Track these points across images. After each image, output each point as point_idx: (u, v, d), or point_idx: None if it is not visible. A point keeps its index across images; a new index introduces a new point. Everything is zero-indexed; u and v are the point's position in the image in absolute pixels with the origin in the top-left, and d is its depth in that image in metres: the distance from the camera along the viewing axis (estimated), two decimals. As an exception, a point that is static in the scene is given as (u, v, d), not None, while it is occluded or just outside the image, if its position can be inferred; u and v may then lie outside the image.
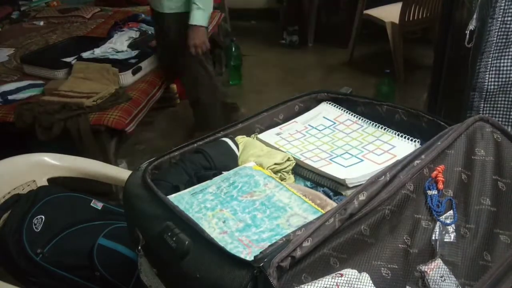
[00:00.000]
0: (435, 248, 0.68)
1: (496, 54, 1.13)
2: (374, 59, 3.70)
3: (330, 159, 0.94)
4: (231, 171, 0.89)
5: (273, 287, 0.55)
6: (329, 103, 1.11)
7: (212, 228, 0.73)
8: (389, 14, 3.24)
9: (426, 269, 0.66)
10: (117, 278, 1.16)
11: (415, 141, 0.93)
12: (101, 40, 2.61)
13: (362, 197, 0.65)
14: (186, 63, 2.32)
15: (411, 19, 3.14)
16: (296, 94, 1.13)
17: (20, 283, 1.16)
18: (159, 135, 2.88)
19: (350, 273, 0.59)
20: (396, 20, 3.14)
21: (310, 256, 0.59)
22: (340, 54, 3.84)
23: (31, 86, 2.25)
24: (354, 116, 1.06)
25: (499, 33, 1.11)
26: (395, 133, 0.97)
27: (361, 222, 0.64)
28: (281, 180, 0.89)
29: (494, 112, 1.16)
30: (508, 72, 1.12)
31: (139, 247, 0.77)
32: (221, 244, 0.66)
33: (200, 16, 2.11)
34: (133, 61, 2.36)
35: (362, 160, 0.92)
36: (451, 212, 0.71)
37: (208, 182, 0.86)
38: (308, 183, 0.93)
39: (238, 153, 0.97)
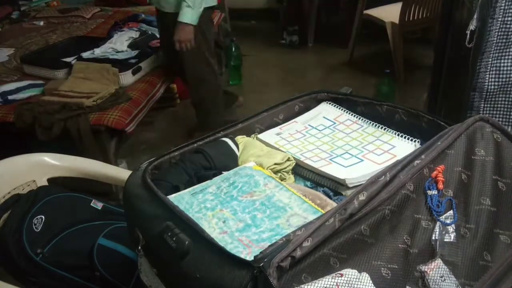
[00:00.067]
0: (435, 248, 0.68)
1: (497, 54, 1.13)
2: (374, 59, 3.70)
3: (330, 159, 0.94)
4: (231, 171, 0.89)
5: (273, 287, 0.55)
6: (329, 103, 1.11)
7: (212, 228, 0.73)
8: (389, 14, 3.24)
9: (426, 269, 0.66)
10: (117, 278, 1.16)
11: (415, 141, 0.93)
12: (101, 40, 2.61)
13: (362, 197, 0.65)
14: (192, 62, 2.33)
15: (411, 19, 3.14)
16: (296, 94, 1.13)
17: (20, 283, 1.16)
18: (159, 135, 2.88)
19: (350, 273, 0.59)
20: (396, 20, 3.14)
21: (310, 256, 0.59)
22: (340, 54, 3.84)
23: (31, 86, 2.25)
24: (354, 116, 1.06)
25: (499, 33, 1.11)
26: (395, 133, 0.97)
27: (361, 222, 0.64)
28: (281, 180, 0.89)
29: (494, 112, 1.16)
30: (508, 72, 1.12)
31: (139, 247, 0.77)
32: (221, 244, 0.66)
33: (188, 14, 2.13)
34: (133, 61, 2.36)
35: (362, 160, 0.92)
36: (451, 212, 0.71)
37: (208, 182, 0.86)
38: (308, 183, 0.93)
39: (238, 153, 0.97)
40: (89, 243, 1.19)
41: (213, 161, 0.92)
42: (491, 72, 1.14)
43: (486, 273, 0.69)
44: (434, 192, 0.71)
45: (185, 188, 0.85)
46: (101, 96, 2.08)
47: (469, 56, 1.27)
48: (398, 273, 0.64)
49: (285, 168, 0.93)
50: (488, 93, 1.15)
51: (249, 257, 0.62)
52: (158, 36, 2.67)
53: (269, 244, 0.60)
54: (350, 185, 0.85)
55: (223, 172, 0.90)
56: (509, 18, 1.09)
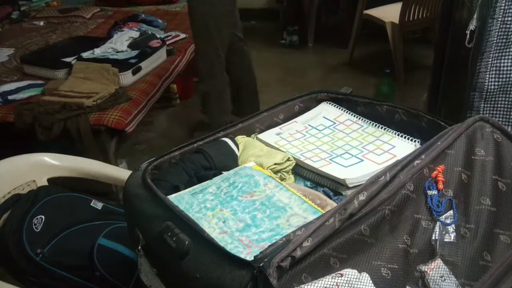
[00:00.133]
0: (435, 248, 0.68)
1: (496, 54, 1.13)
2: (374, 59, 3.70)
3: (330, 159, 0.94)
4: (231, 171, 0.89)
5: (273, 287, 0.55)
6: (329, 103, 1.11)
7: (212, 228, 0.73)
8: (389, 14, 3.24)
9: (426, 269, 0.66)
10: (117, 278, 1.16)
11: (415, 141, 0.93)
12: (101, 40, 2.62)
13: (362, 197, 0.65)
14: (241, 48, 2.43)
15: (411, 19, 3.14)
16: (296, 94, 1.13)
17: (20, 283, 1.16)
18: (159, 135, 2.88)
19: (350, 273, 0.59)
20: (396, 20, 3.15)
21: (310, 256, 0.59)
22: (340, 54, 3.84)
23: (31, 86, 2.25)
24: (354, 116, 1.06)
25: (499, 33, 1.11)
26: (395, 133, 0.97)
27: (361, 222, 0.64)
28: (281, 180, 0.89)
29: (494, 112, 1.16)
30: (509, 72, 1.12)
31: (139, 247, 0.77)
32: (221, 244, 0.66)
33: None
34: (133, 61, 2.36)
35: (362, 160, 0.92)
36: (451, 212, 0.71)
37: (208, 182, 0.86)
38: (308, 183, 0.93)
39: (238, 153, 0.97)
40: (89, 243, 1.18)
41: (213, 161, 0.92)
42: (491, 72, 1.14)
43: (486, 273, 0.69)
44: (434, 192, 0.71)
45: (185, 188, 0.85)
46: (101, 96, 2.08)
47: (469, 56, 1.27)
48: (398, 273, 0.64)
49: (285, 168, 0.93)
50: (488, 93, 1.15)
51: (249, 257, 0.62)
52: (158, 36, 2.67)
53: (269, 244, 0.60)
54: (350, 185, 0.85)
55: (223, 172, 0.90)
56: (509, 18, 1.09)
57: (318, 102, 1.13)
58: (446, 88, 1.73)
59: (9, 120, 2.03)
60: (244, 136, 1.03)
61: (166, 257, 0.71)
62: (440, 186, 0.71)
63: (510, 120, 1.14)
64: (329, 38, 4.01)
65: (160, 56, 2.52)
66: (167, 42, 2.70)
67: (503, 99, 1.14)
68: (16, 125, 2.00)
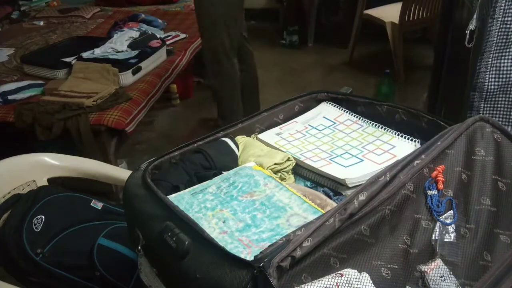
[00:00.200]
0: (435, 248, 0.68)
1: (496, 54, 1.13)
2: (374, 59, 3.70)
3: (330, 159, 0.94)
4: (231, 171, 0.89)
5: (273, 287, 0.55)
6: (329, 103, 1.11)
7: (212, 228, 0.73)
8: (389, 14, 3.24)
9: (426, 269, 0.66)
10: (117, 278, 1.16)
11: (415, 141, 0.93)
12: (101, 40, 2.61)
13: (362, 197, 0.65)
14: (246, 47, 2.44)
15: (411, 19, 3.14)
16: (296, 94, 1.13)
17: (20, 283, 1.16)
18: (159, 135, 2.88)
19: (350, 273, 0.59)
20: (396, 20, 3.15)
21: (310, 256, 0.59)
22: (340, 54, 3.84)
23: (31, 86, 2.25)
24: (354, 116, 1.06)
25: (499, 33, 1.11)
26: (395, 133, 0.97)
27: (361, 222, 0.64)
28: (281, 180, 0.89)
29: (494, 112, 1.16)
30: (509, 72, 1.12)
31: (139, 247, 0.77)
32: (221, 244, 0.66)
33: None
34: (133, 61, 2.36)
35: (362, 160, 0.92)
36: (451, 212, 0.71)
37: (208, 182, 0.86)
38: (308, 183, 0.93)
39: (238, 153, 0.97)
40: (89, 243, 1.18)
41: (213, 161, 0.92)
42: (491, 72, 1.14)
43: (486, 273, 0.69)
44: (434, 192, 0.71)
45: (185, 188, 0.85)
46: (101, 96, 2.08)
47: (469, 56, 1.27)
48: (398, 273, 0.64)
49: (285, 168, 0.93)
50: (488, 93, 1.15)
51: (249, 257, 0.62)
52: (158, 36, 2.67)
53: (269, 244, 0.60)
54: (350, 185, 0.85)
55: (223, 172, 0.90)
56: (509, 18, 1.09)
57: (318, 102, 1.13)
58: (446, 88, 1.73)
59: (9, 120, 2.03)
60: (244, 136, 1.03)
61: (166, 257, 0.71)
62: (440, 186, 0.71)
63: (510, 120, 1.14)
64: (329, 38, 4.01)
65: (160, 56, 2.52)
66: (167, 42, 2.70)
67: (503, 99, 1.14)
68: (16, 125, 2.00)
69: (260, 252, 0.58)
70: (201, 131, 2.74)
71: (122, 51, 2.46)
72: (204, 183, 0.85)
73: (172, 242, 0.68)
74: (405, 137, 0.95)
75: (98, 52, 2.45)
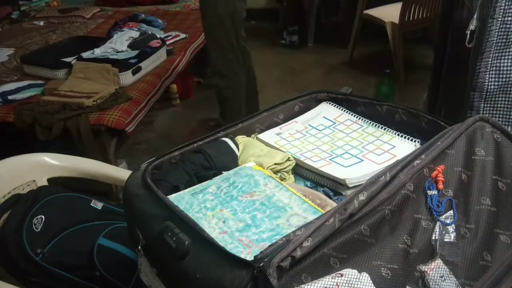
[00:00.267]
0: (435, 248, 0.68)
1: (496, 54, 1.13)
2: (374, 59, 3.70)
3: (330, 159, 0.94)
4: (231, 171, 0.89)
5: (273, 287, 0.55)
6: (329, 103, 1.11)
7: (212, 228, 0.73)
8: (389, 14, 3.24)
9: (426, 269, 0.66)
10: (117, 278, 1.16)
11: (415, 141, 0.93)
12: (101, 40, 2.62)
13: (362, 197, 0.65)
14: (244, 47, 2.43)
15: (411, 19, 3.14)
16: (296, 94, 1.13)
17: (20, 283, 1.16)
18: (159, 135, 2.88)
19: (350, 273, 0.59)
20: (396, 20, 3.15)
21: (310, 256, 0.59)
22: (340, 54, 3.84)
23: (31, 86, 2.25)
24: (354, 116, 1.06)
25: (499, 33, 1.11)
26: (395, 133, 0.97)
27: (361, 222, 0.64)
28: (281, 180, 0.89)
29: (494, 112, 1.16)
30: (508, 72, 1.12)
31: (139, 247, 0.77)
32: (221, 244, 0.66)
33: None
34: (133, 61, 2.36)
35: (362, 160, 0.92)
36: (451, 212, 0.71)
37: (208, 182, 0.86)
38: (308, 183, 0.93)
39: (238, 153, 0.97)
40: (89, 243, 1.18)
41: (213, 161, 0.92)
42: (491, 72, 1.14)
43: (486, 273, 0.69)
44: (434, 192, 0.71)
45: (185, 188, 0.85)
46: (101, 96, 2.08)
47: (469, 56, 1.27)
48: (398, 273, 0.64)
49: (285, 168, 0.93)
50: (488, 93, 1.15)
51: (249, 257, 0.62)
52: (158, 36, 2.67)
53: (269, 244, 0.60)
54: (350, 185, 0.85)
55: (223, 172, 0.90)
56: (509, 18, 1.09)
57: (318, 102, 1.13)
58: (446, 88, 1.73)
59: (9, 120, 2.03)
60: (244, 136, 1.03)
61: (166, 257, 0.71)
62: (440, 186, 0.71)
63: (510, 120, 1.14)
64: (329, 38, 4.01)
65: (160, 56, 2.52)
66: (167, 42, 2.70)
67: (503, 99, 1.14)
68: (16, 125, 2.00)
69: (260, 252, 0.58)
70: (201, 131, 2.74)
71: (122, 51, 2.46)
72: (204, 183, 0.85)
73: (172, 242, 0.68)
74: (405, 137, 0.95)
75: (98, 52, 2.45)
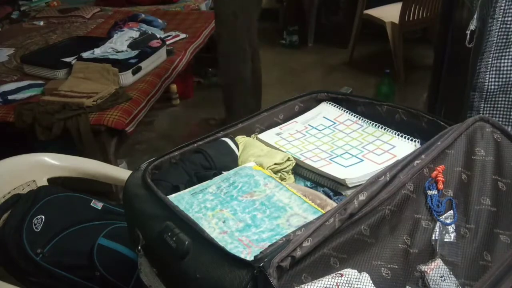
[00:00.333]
0: (435, 248, 0.68)
1: (497, 54, 1.13)
2: (374, 59, 3.70)
3: (330, 159, 0.94)
4: (231, 171, 0.89)
5: (273, 287, 0.55)
6: (329, 103, 1.11)
7: (212, 228, 0.73)
8: (389, 14, 3.25)
9: (426, 269, 0.66)
10: (117, 278, 1.16)
11: (415, 141, 0.93)
12: (101, 40, 2.61)
13: (362, 197, 0.65)
14: None
15: (411, 19, 3.14)
16: (296, 94, 1.13)
17: (20, 283, 1.16)
18: (159, 135, 2.88)
19: (350, 273, 0.59)
20: (396, 20, 3.15)
21: (310, 256, 0.59)
22: (340, 54, 3.84)
23: (31, 86, 2.25)
24: (354, 116, 1.06)
25: (500, 33, 1.11)
26: (395, 133, 0.97)
27: (361, 222, 0.64)
28: (281, 180, 0.89)
29: (494, 112, 1.16)
30: (509, 72, 1.12)
31: (139, 247, 0.77)
32: (221, 244, 0.66)
33: None
34: (133, 61, 2.36)
35: (362, 160, 0.92)
36: (451, 212, 0.71)
37: (208, 182, 0.86)
38: (308, 183, 0.93)
39: (238, 153, 0.97)
40: (89, 243, 1.18)
41: (213, 161, 0.92)
42: (491, 72, 1.14)
43: (486, 273, 0.69)
44: (434, 192, 0.71)
45: (185, 188, 0.85)
46: (101, 96, 2.08)
47: (469, 56, 1.27)
48: (398, 273, 0.64)
49: (285, 168, 0.93)
50: (488, 93, 1.15)
51: (249, 257, 0.62)
52: (158, 36, 2.67)
53: (269, 244, 0.60)
54: (350, 185, 0.85)
55: (223, 172, 0.90)
56: (509, 18, 1.09)
57: (318, 102, 1.13)
58: (446, 88, 1.73)
59: (9, 120, 2.03)
60: (244, 136, 1.03)
61: (166, 257, 0.71)
62: (440, 186, 0.71)
63: (510, 120, 1.14)
64: (329, 38, 4.01)
65: (160, 56, 2.52)
66: (167, 42, 2.69)
67: (503, 99, 1.14)
68: (16, 125, 2.00)
69: (260, 252, 0.58)
70: (201, 131, 2.74)
71: (122, 51, 2.46)
72: (204, 183, 0.85)
73: (172, 242, 0.68)
74: (405, 137, 0.95)
75: (98, 52, 2.45)
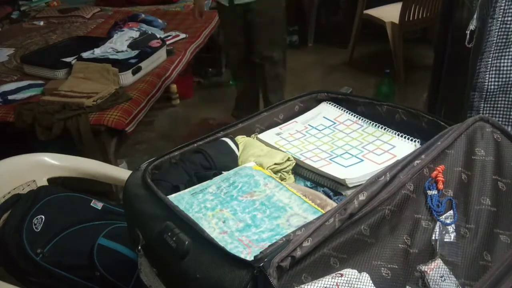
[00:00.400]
0: (435, 248, 0.68)
1: (496, 54, 1.13)
2: (374, 59, 3.70)
3: (330, 159, 0.94)
4: (231, 171, 0.89)
5: (273, 287, 0.55)
6: (329, 103, 1.11)
7: (212, 228, 0.73)
8: (389, 14, 3.24)
9: (426, 269, 0.66)
10: (117, 278, 1.16)
11: (415, 141, 0.93)
12: (101, 40, 2.61)
13: (362, 197, 0.65)
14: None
15: (411, 19, 3.14)
16: (296, 94, 1.13)
17: (20, 283, 1.16)
18: (159, 135, 2.88)
19: (350, 273, 0.59)
20: (396, 20, 3.15)
21: (310, 256, 0.59)
22: (340, 54, 3.84)
23: (31, 86, 2.25)
24: (354, 116, 1.06)
25: (499, 33, 1.11)
26: (395, 133, 0.97)
27: (361, 222, 0.64)
28: (281, 180, 0.89)
29: (494, 112, 1.16)
30: (508, 72, 1.12)
31: (139, 247, 0.77)
32: (221, 244, 0.66)
33: None
34: (133, 61, 2.36)
35: (362, 160, 0.92)
36: (451, 212, 0.71)
37: (208, 182, 0.86)
38: (308, 183, 0.93)
39: (238, 153, 0.97)
40: (89, 243, 1.19)
41: (213, 161, 0.92)
42: (491, 72, 1.14)
43: (486, 273, 0.69)
44: (434, 192, 0.71)
45: (185, 188, 0.85)
46: (101, 96, 2.08)
47: (469, 56, 1.27)
48: (398, 273, 0.64)
49: (285, 168, 0.93)
50: (488, 93, 1.15)
51: (249, 257, 0.62)
52: (158, 36, 2.67)
53: (269, 244, 0.60)
54: (350, 185, 0.85)
55: (223, 172, 0.90)
56: (509, 18, 1.09)
57: (318, 102, 1.13)
58: (446, 88, 1.73)
59: (9, 120, 2.03)
60: (244, 136, 1.03)
61: (166, 257, 0.71)
62: (440, 186, 0.71)
63: (510, 120, 1.14)
64: (329, 38, 4.01)
65: (160, 56, 2.52)
66: (167, 42, 2.69)
67: (503, 99, 1.14)
68: (16, 125, 2.00)
69: (260, 252, 0.58)
70: (201, 131, 2.74)
71: (122, 51, 2.46)
72: (204, 183, 0.85)
73: (172, 242, 0.68)
74: (405, 137, 0.95)
75: (98, 52, 2.45)
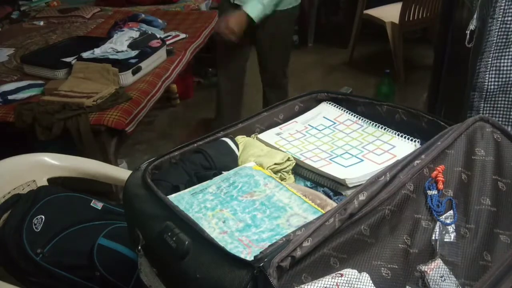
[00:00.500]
0: (435, 248, 0.68)
1: (496, 54, 1.13)
2: (374, 59, 3.70)
3: (330, 159, 0.94)
4: (231, 171, 0.89)
5: (273, 287, 0.55)
6: (329, 103, 1.11)
7: (212, 228, 0.73)
8: (389, 14, 3.25)
9: (426, 269, 0.66)
10: (117, 278, 1.16)
11: (415, 141, 0.93)
12: (101, 40, 2.61)
13: (362, 197, 0.65)
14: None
15: (411, 19, 3.15)
16: (296, 94, 1.13)
17: (20, 283, 1.16)
18: (159, 135, 2.88)
19: (350, 273, 0.59)
20: (396, 20, 3.15)
21: (310, 256, 0.59)
22: (340, 54, 3.84)
23: (31, 86, 2.24)
24: (354, 116, 1.06)
25: (499, 33, 1.11)
26: (395, 133, 0.97)
27: (361, 222, 0.64)
28: (281, 180, 0.89)
29: (494, 112, 1.16)
30: (508, 72, 1.12)
31: (139, 247, 0.77)
32: (221, 244, 0.66)
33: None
34: (133, 61, 2.36)
35: (362, 160, 0.92)
36: (451, 212, 0.71)
37: (208, 182, 0.86)
38: (308, 183, 0.93)
39: (238, 153, 0.97)
40: (89, 243, 1.19)
41: (213, 161, 0.92)
42: (491, 72, 1.14)
43: (486, 273, 0.69)
44: (434, 192, 0.71)
45: (185, 188, 0.85)
46: (101, 96, 2.08)
47: (469, 56, 1.27)
48: (398, 273, 0.64)
49: (285, 168, 0.93)
50: (488, 93, 1.15)
51: (249, 257, 0.62)
52: (158, 36, 2.66)
53: (269, 244, 0.60)
54: (350, 185, 0.85)
55: (223, 172, 0.90)
56: (509, 18, 1.09)
57: (318, 102, 1.13)
58: (446, 88, 1.73)
59: (9, 120, 2.03)
60: (244, 136, 1.03)
61: (166, 257, 0.71)
62: (440, 186, 0.71)
63: (510, 120, 1.14)
64: (329, 38, 4.01)
65: (160, 56, 2.52)
66: (167, 42, 2.69)
67: (503, 99, 1.14)
68: (16, 125, 2.00)
69: (260, 252, 0.58)
70: (201, 131, 2.74)
71: (122, 51, 2.46)
72: (204, 183, 0.85)
73: (172, 242, 0.68)
74: (405, 137, 0.95)
75: (98, 52, 2.45)
